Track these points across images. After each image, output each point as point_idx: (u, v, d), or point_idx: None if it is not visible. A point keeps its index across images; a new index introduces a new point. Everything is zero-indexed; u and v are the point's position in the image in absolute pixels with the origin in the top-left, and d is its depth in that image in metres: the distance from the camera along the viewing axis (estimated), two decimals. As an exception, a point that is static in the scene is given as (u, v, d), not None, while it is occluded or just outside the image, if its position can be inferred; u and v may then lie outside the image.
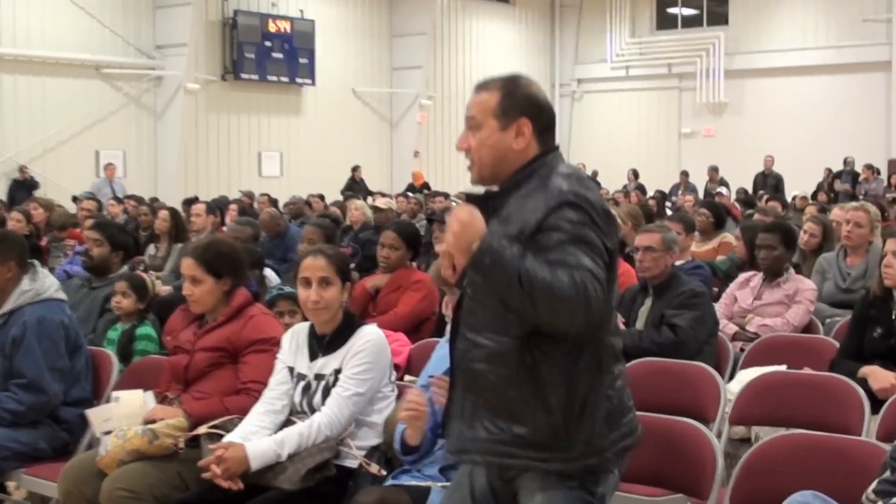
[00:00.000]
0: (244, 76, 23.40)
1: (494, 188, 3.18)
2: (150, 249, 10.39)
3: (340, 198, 18.18)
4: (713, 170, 24.56)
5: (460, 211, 2.97)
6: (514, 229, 3.00)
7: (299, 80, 24.52)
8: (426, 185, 23.84)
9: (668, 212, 15.97)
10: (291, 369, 4.47)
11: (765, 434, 4.88)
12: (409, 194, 19.81)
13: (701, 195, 21.22)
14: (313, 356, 4.45)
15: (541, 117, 3.18)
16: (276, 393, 4.45)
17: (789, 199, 18.17)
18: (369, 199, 17.26)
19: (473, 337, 3.11)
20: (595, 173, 24.98)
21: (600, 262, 2.90)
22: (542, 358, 3.01)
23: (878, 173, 23.16)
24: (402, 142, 27.28)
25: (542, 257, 2.88)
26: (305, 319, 4.61)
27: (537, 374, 3.02)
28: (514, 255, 2.86)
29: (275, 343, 4.68)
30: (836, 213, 9.71)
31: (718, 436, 4.71)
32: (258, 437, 4.26)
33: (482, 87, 3.24)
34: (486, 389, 3.11)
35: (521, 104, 3.16)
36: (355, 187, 22.56)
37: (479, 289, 3.10)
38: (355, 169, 24.06)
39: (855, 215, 7.61)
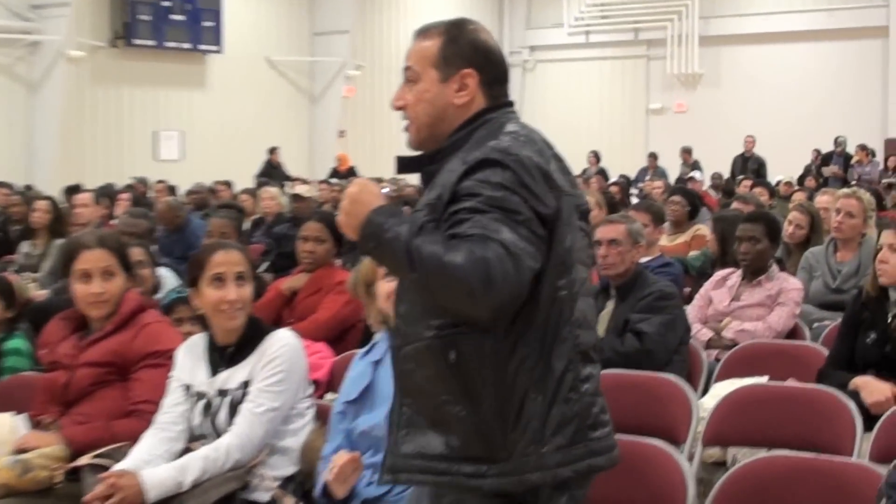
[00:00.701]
0: (137, 42, 23.20)
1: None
2: (25, 247, 10.28)
3: (251, 185, 18.10)
4: (686, 151, 24.74)
5: (352, 185, 2.99)
6: (433, 196, 2.99)
7: (203, 47, 24.36)
8: (353, 171, 23.80)
9: (634, 199, 16.08)
10: (188, 387, 4.44)
11: (743, 456, 4.91)
12: (333, 181, 19.76)
13: (672, 181, 21.36)
14: (214, 370, 4.42)
15: (489, 67, 3.16)
16: (171, 416, 4.40)
17: (773, 185, 18.33)
18: (286, 187, 17.19)
19: (401, 328, 3.11)
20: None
21: (524, 233, 2.84)
22: (468, 353, 2.96)
23: (874, 155, 23.41)
24: (326, 119, 27.21)
25: (449, 230, 2.85)
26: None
27: (464, 372, 2.97)
28: (398, 233, 2.83)
29: (172, 356, 4.64)
30: (823, 199, 9.78)
31: (690, 459, 4.74)
32: (153, 466, 4.21)
33: (422, 32, 3.22)
34: (415, 393, 3.09)
35: (465, 52, 3.14)
36: (273, 173, 22.48)
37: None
38: (272, 151, 23.98)
39: (846, 203, 7.67)
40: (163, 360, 4.69)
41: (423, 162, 3.17)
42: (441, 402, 3.01)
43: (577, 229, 3.05)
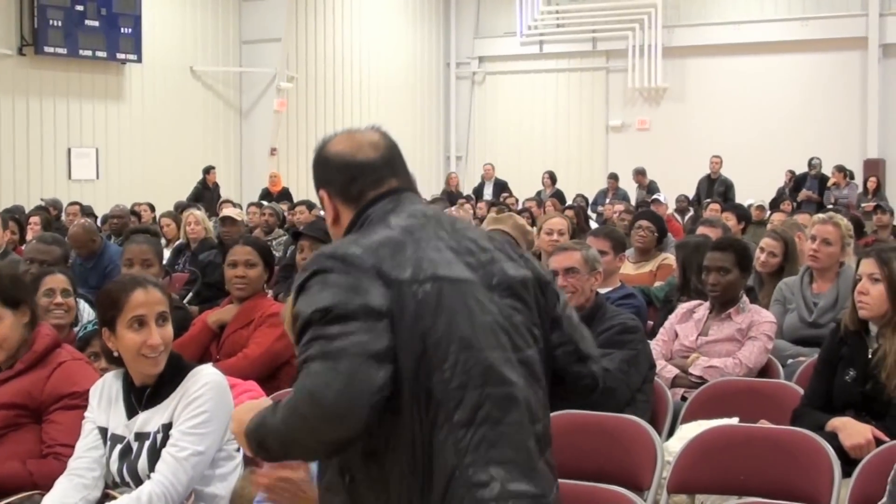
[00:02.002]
0: (48, 50, 23.03)
1: None
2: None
3: (173, 207, 18.00)
4: (639, 173, 24.82)
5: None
6: None
7: (121, 56, 24.21)
8: (286, 192, 23.74)
9: (593, 224, 16.16)
10: (104, 431, 4.42)
11: (712, 505, 4.95)
12: (264, 203, 19.71)
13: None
14: (131, 413, 4.41)
15: (332, 178, 3.34)
16: (86, 462, 4.39)
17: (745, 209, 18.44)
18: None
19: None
20: (504, 184, 25.16)
21: (349, 349, 2.90)
22: (358, 477, 3.10)
23: (852, 177, 23.59)
24: (256, 135, 27.11)
25: None
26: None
27: (357, 495, 3.12)
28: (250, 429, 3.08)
29: (89, 397, 4.63)
30: (800, 218, 9.81)
31: (654, 508, 4.77)
32: (69, 516, 4.20)
33: None
34: None
35: (317, 175, 3.40)
36: (205, 195, 22.35)
37: None
38: (208, 171, 23.87)
39: (822, 230, 7.70)
40: (80, 401, 4.69)
41: None
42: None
43: (463, 314, 3.06)
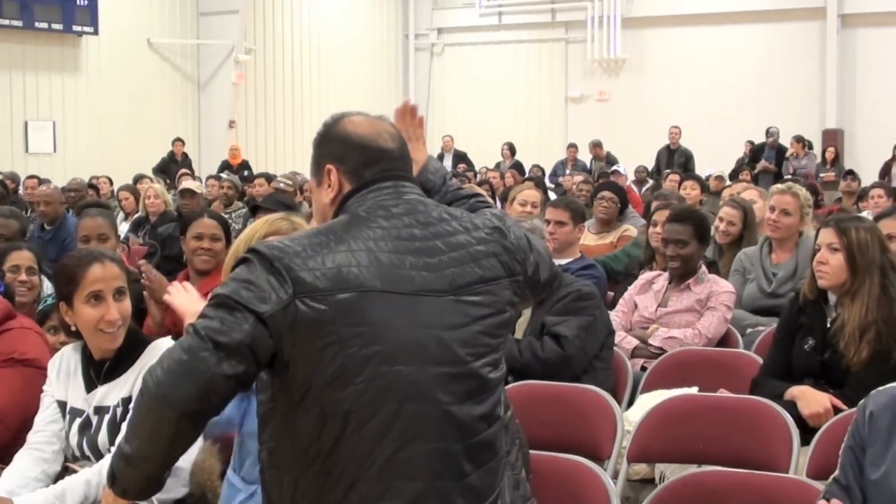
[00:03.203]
0: (3, 22, 22.86)
1: None
2: None
3: (131, 181, 17.90)
4: (596, 146, 24.86)
5: None
6: None
7: (77, 28, 24.06)
8: (245, 164, 23.67)
9: (552, 195, 16.16)
10: (63, 404, 4.42)
11: (671, 473, 4.97)
12: (223, 175, 19.65)
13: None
14: (90, 386, 4.41)
15: (349, 156, 3.28)
16: (45, 435, 4.39)
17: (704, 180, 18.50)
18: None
19: None
20: (463, 156, 25.15)
21: (203, 331, 2.91)
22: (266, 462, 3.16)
23: (810, 147, 23.67)
24: (214, 108, 27.02)
25: None
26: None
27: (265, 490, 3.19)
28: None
29: (31, 364, 4.69)
30: (752, 193, 9.85)
31: (614, 476, 4.79)
32: (28, 491, 4.19)
33: None
34: None
35: (327, 150, 3.31)
36: (171, 167, 22.21)
37: None
38: (175, 142, 23.74)
39: (781, 200, 7.72)
40: (18, 365, 4.74)
41: None
42: None
43: (389, 328, 3.01)
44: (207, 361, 2.86)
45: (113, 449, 4.18)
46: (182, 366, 2.87)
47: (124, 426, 4.21)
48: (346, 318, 2.95)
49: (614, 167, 21.55)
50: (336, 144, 3.28)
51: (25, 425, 4.61)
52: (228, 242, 6.97)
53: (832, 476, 3.55)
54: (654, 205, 10.15)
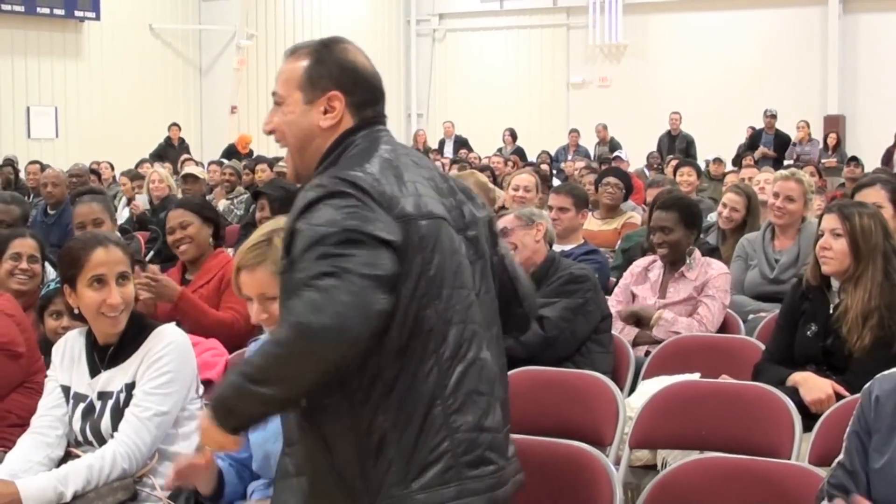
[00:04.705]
0: (6, 7, 22.87)
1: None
2: None
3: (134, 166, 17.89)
4: (603, 127, 24.82)
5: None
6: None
7: (79, 14, 24.06)
8: (251, 155, 23.61)
9: (556, 181, 16.13)
10: (67, 389, 4.42)
11: (673, 459, 4.96)
12: (225, 161, 19.61)
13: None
14: (94, 371, 4.41)
15: (358, 90, 3.30)
16: (48, 420, 4.39)
17: (703, 165, 18.43)
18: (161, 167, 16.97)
19: None
20: (464, 142, 25.14)
21: (358, 269, 2.92)
22: (316, 401, 3.13)
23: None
24: (216, 93, 27.00)
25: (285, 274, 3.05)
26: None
27: (317, 419, 3.16)
28: (227, 383, 3.04)
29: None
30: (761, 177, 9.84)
31: (616, 463, 4.78)
32: (31, 475, 4.19)
33: (291, 53, 3.38)
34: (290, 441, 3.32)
35: (332, 73, 3.28)
36: (169, 152, 22.18)
37: None
38: (172, 127, 23.71)
39: (785, 186, 7.69)
40: None
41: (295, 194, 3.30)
42: (302, 449, 3.23)
43: (449, 252, 3.17)
44: (375, 297, 2.91)
45: (130, 429, 4.21)
46: (351, 307, 2.87)
47: (140, 411, 4.24)
48: (427, 243, 3.10)
49: (616, 153, 21.51)
50: (346, 72, 3.29)
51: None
52: (209, 221, 6.91)
53: (837, 461, 3.54)
54: (649, 191, 10.18)
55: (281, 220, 4.13)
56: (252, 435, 3.95)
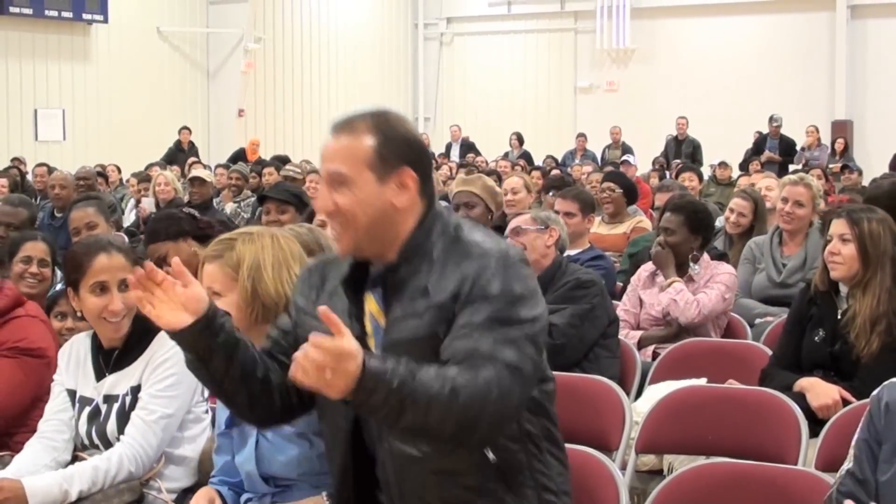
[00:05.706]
0: (13, 10, 22.87)
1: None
2: None
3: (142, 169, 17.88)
4: (617, 130, 24.81)
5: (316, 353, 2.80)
6: (426, 302, 3.12)
7: (87, 17, 24.06)
8: (260, 161, 23.57)
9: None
10: (73, 393, 4.43)
11: (680, 465, 4.96)
12: (231, 165, 19.59)
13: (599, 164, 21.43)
14: (100, 375, 4.41)
15: (423, 163, 3.23)
16: (55, 424, 4.40)
17: (709, 170, 18.40)
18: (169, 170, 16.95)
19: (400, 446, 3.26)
20: (472, 146, 25.13)
21: (524, 343, 3.11)
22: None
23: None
24: (223, 96, 27.01)
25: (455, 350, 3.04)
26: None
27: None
28: (405, 375, 2.90)
29: (35, 354, 4.73)
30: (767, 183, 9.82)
31: (623, 468, 4.76)
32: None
33: (342, 129, 3.20)
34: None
35: (401, 149, 3.18)
36: (179, 156, 22.15)
37: None
38: (182, 131, 23.70)
39: (794, 192, 7.68)
40: (20, 354, 4.79)
41: (387, 269, 3.22)
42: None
43: None
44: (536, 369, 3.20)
45: (136, 432, 4.20)
46: (526, 376, 3.11)
47: (145, 414, 4.24)
48: None
49: (624, 157, 21.47)
50: (412, 147, 3.22)
51: (25, 415, 4.64)
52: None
53: (845, 469, 3.51)
54: (658, 196, 10.16)
55: (254, 229, 4.13)
56: (237, 457, 3.95)
